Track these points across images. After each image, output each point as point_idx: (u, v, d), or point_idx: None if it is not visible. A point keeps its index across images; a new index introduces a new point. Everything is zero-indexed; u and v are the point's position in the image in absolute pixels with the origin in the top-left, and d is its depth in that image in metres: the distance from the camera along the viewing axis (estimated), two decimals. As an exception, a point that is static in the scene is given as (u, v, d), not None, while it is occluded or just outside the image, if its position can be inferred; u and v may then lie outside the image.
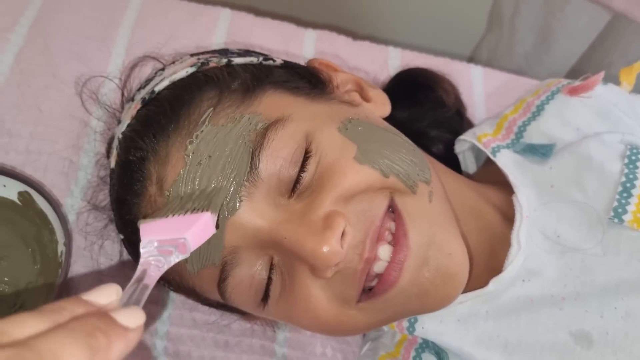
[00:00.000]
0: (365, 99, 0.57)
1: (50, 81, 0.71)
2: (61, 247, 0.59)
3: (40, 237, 0.60)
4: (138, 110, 0.52)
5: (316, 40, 0.85)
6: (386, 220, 0.48)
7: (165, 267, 0.38)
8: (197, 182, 0.46)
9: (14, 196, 0.61)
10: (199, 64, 0.52)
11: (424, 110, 0.70)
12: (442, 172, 0.58)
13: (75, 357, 0.28)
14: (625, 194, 0.52)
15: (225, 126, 0.47)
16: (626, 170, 0.53)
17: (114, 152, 0.53)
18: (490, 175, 0.63)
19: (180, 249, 0.39)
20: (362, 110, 0.54)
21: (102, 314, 0.31)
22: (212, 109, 0.48)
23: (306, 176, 0.47)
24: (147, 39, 0.75)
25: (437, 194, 0.50)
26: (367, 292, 0.48)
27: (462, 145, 0.67)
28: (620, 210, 0.51)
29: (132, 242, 0.53)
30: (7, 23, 0.75)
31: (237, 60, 0.53)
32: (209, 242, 0.44)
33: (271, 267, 0.48)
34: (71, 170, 0.67)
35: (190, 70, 0.52)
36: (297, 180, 0.47)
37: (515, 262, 0.52)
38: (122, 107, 0.60)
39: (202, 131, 0.47)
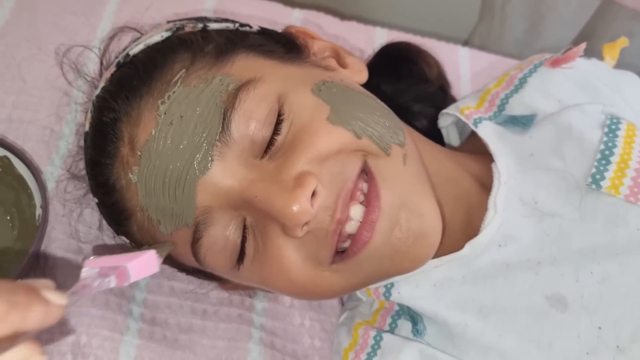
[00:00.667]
0: (342, 65, 0.57)
1: (35, 53, 0.71)
2: (39, 211, 0.58)
3: (19, 202, 0.60)
4: (112, 73, 0.52)
5: (303, 20, 0.85)
6: (359, 182, 0.48)
7: (103, 288, 0.39)
8: (168, 142, 0.46)
9: (-8, 161, 0.61)
10: (175, 29, 0.53)
11: (408, 85, 0.70)
12: (419, 140, 0.58)
13: None
14: (603, 161, 0.51)
15: (197, 87, 0.47)
16: (605, 139, 0.53)
17: (88, 115, 0.53)
18: (472, 147, 0.63)
19: (119, 275, 0.39)
20: (337, 74, 0.54)
21: (29, 285, 0.33)
22: (184, 70, 0.48)
23: (279, 138, 0.47)
24: (133, 16, 0.74)
25: (411, 156, 0.50)
26: (341, 253, 0.48)
27: (446, 120, 0.67)
28: (598, 176, 0.51)
29: (106, 204, 0.52)
30: (-7, -4, 0.75)
31: (213, 25, 0.53)
32: (181, 202, 0.45)
33: (245, 228, 0.48)
34: (52, 139, 0.67)
35: (166, 34, 0.52)
36: (270, 142, 0.47)
37: (491, 226, 0.51)
38: (101, 76, 0.60)
39: (174, 92, 0.47)
